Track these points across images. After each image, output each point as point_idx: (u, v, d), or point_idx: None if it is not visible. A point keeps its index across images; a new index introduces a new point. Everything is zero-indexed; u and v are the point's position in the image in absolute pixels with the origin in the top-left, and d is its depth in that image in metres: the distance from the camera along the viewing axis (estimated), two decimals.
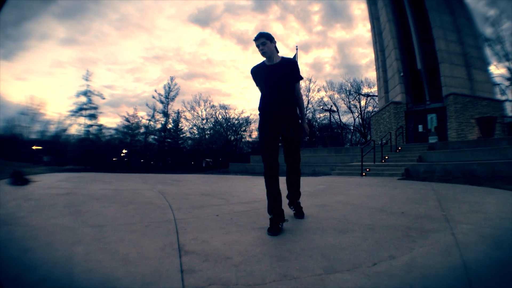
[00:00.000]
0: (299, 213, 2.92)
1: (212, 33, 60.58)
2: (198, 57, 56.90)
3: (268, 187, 2.51)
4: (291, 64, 2.72)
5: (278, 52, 2.73)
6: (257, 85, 2.81)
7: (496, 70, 23.69)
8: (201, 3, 59.07)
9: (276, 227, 2.34)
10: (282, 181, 2.64)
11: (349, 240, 2.07)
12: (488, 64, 19.72)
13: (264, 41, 2.61)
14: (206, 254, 1.77)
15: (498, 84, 22.88)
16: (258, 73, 2.75)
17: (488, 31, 24.25)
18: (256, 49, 2.67)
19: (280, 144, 2.76)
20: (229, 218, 2.87)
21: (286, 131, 2.66)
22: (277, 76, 2.65)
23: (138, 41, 55.90)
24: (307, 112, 31.95)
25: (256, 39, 2.64)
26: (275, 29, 56.26)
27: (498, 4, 23.88)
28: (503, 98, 21.63)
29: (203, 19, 59.38)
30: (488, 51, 21.97)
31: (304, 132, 2.95)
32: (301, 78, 2.78)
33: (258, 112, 2.75)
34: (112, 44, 51.03)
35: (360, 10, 51.59)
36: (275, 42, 2.69)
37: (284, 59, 2.75)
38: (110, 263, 1.62)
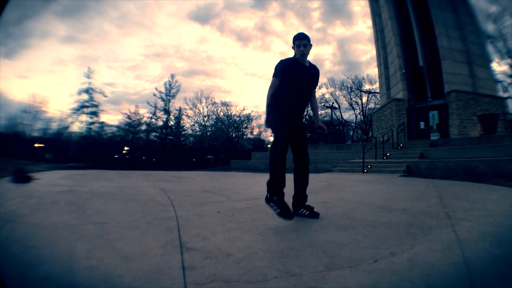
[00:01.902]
0: (313, 213, 2.74)
1: (212, 30, 59.97)
2: (198, 54, 56.38)
3: (279, 160, 2.47)
4: (317, 72, 2.90)
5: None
6: (279, 77, 2.73)
7: (498, 67, 23.33)
8: (200, 1, 58.75)
9: (288, 208, 2.41)
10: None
11: (351, 237, 2.07)
12: (490, 61, 19.52)
13: (307, 43, 2.73)
14: (207, 251, 1.78)
15: (501, 81, 22.63)
16: (289, 67, 2.74)
17: (490, 28, 23.87)
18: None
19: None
20: (230, 215, 2.87)
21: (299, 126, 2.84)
22: (308, 79, 2.81)
23: (138, 38, 55.26)
24: (309, 109, 31.86)
25: (300, 39, 2.72)
26: (274, 26, 55.93)
27: (500, 1, 23.59)
28: (506, 95, 21.39)
29: (202, 16, 58.86)
30: (490, 48, 21.62)
31: (322, 129, 3.18)
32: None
33: (270, 103, 2.75)
34: (113, 41, 50.56)
35: (360, 7, 50.94)
36: (311, 46, 2.79)
37: (312, 64, 2.86)
38: (112, 260, 1.63)
